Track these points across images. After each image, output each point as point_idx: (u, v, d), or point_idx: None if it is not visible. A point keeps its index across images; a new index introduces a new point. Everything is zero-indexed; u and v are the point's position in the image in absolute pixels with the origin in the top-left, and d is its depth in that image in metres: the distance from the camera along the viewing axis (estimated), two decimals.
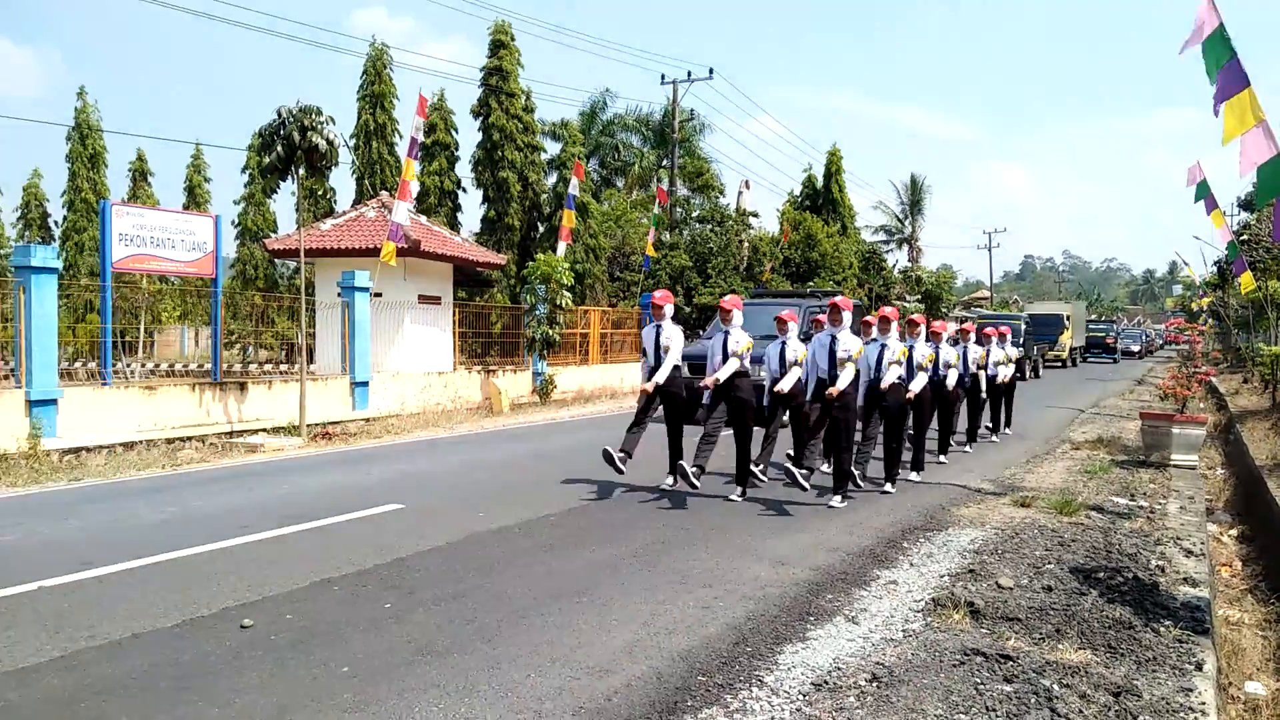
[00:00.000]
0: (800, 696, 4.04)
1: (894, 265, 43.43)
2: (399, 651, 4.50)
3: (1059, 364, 37.58)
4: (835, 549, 6.67)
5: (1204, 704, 4.00)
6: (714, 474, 9.12)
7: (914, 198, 54.32)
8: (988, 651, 4.52)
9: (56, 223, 35.58)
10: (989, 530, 7.34)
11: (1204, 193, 14.84)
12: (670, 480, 8.96)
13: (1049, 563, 6.28)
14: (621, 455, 8.25)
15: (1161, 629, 4.95)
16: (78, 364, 22.73)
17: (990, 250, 66.49)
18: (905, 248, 53.63)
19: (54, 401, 11.44)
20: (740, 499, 8.52)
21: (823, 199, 38.83)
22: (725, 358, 8.46)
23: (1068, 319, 38.15)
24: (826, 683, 4.18)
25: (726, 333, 8.55)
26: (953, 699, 3.98)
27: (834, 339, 8.32)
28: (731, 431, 8.62)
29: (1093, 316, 61.97)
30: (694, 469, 8.38)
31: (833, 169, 39.24)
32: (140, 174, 35.99)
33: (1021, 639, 4.77)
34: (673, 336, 8.67)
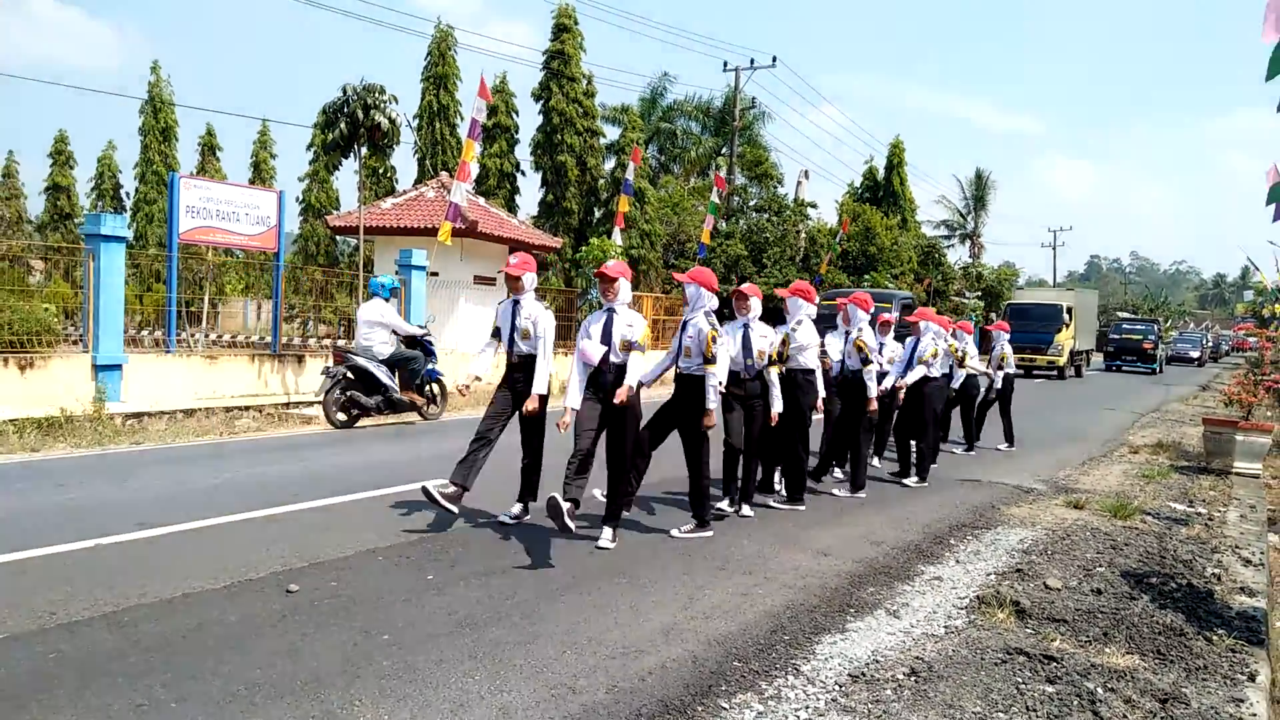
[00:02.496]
0: (836, 687, 4.00)
1: (955, 261, 42.67)
2: (439, 622, 4.55)
3: (1053, 373, 28.85)
4: (880, 542, 6.60)
5: (1255, 715, 3.88)
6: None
7: (978, 193, 53.25)
8: (1031, 651, 4.44)
9: (128, 194, 36.64)
10: (1039, 530, 7.19)
11: (1276, 196, 14.30)
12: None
13: (1100, 565, 6.14)
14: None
15: (1214, 638, 4.81)
16: (144, 332, 23.36)
17: (1054, 249, 65.07)
18: (967, 243, 52.65)
19: (119, 367, 11.78)
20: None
21: (883, 191, 38.37)
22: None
23: (1068, 313, 29.52)
24: (864, 675, 4.14)
25: (746, 325, 7.57)
26: (992, 697, 3.91)
27: (747, 328, 7.16)
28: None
29: (1127, 313, 55.29)
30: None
31: (895, 161, 38.72)
32: (209, 148, 36.81)
33: (1067, 641, 4.66)
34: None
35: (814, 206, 33.38)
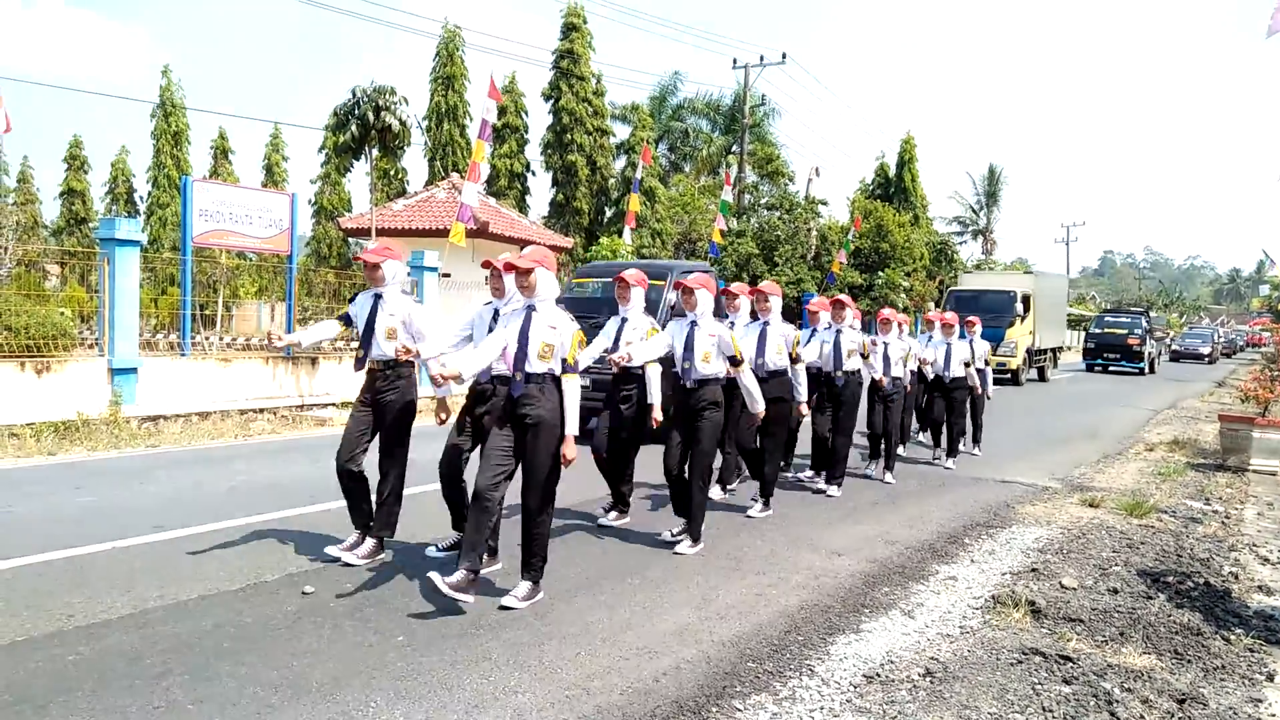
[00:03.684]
0: (851, 687, 3.99)
1: (967, 257, 42.52)
2: (452, 623, 4.57)
3: (1005, 376, 22.28)
4: (894, 542, 6.58)
5: (1275, 716, 3.85)
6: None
7: (990, 188, 53.02)
8: (1047, 651, 4.42)
9: (142, 198, 36.83)
10: (1054, 529, 7.16)
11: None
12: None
13: (1116, 564, 6.10)
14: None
15: (1232, 637, 4.78)
16: (159, 335, 23.49)
17: (1068, 244, 64.67)
18: (980, 239, 52.44)
19: (134, 370, 11.84)
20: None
21: (895, 188, 38.25)
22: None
23: (1023, 302, 23.41)
24: (878, 675, 4.13)
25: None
26: (1008, 698, 3.89)
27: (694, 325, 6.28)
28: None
29: (1109, 306, 50.49)
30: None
31: (906, 157, 38.61)
32: (221, 151, 37.01)
33: (1083, 640, 4.64)
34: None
35: (825, 204, 33.32)
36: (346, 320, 5.68)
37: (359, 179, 34.72)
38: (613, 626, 4.62)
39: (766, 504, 7.34)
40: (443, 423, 5.63)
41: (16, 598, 4.74)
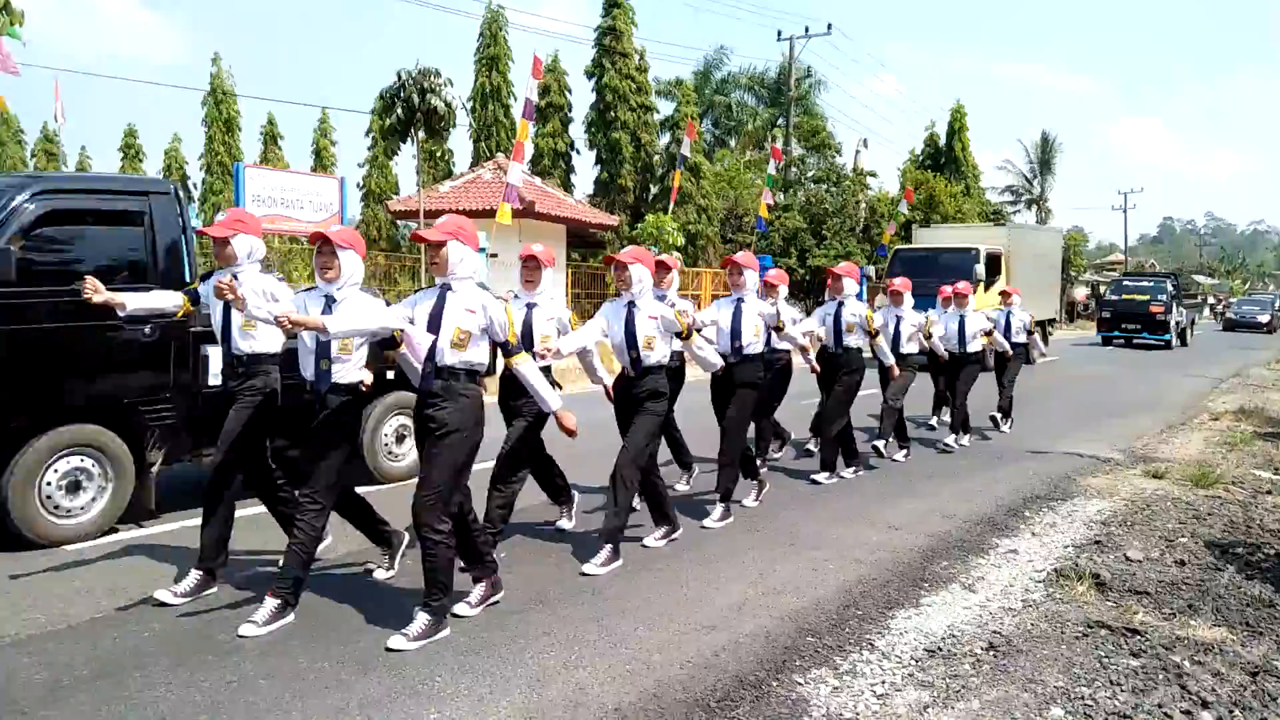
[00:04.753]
0: (913, 662, 3.96)
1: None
2: (512, 599, 4.61)
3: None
4: (951, 515, 6.50)
5: None
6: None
7: (1044, 156, 51.73)
8: (1114, 625, 4.34)
9: (195, 185, 37.52)
10: (1118, 501, 7.02)
11: None
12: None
13: (1182, 536, 5.97)
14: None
15: None
16: None
17: (1125, 212, 63.00)
18: (1033, 209, 51.32)
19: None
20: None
21: (945, 158, 37.56)
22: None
23: (987, 262, 18.34)
24: (940, 650, 4.09)
25: (840, 304, 7.56)
26: (1075, 671, 3.83)
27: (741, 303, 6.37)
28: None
29: (1130, 270, 41.66)
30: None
31: (956, 126, 37.88)
32: (271, 137, 37.54)
33: (1150, 614, 4.55)
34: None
35: (874, 175, 32.92)
36: (194, 298, 4.83)
37: (406, 162, 35.01)
38: (670, 602, 4.64)
39: (727, 510, 6.30)
40: None
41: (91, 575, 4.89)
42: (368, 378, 4.58)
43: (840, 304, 7.58)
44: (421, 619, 4.09)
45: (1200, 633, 4.29)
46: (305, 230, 15.84)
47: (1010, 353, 10.22)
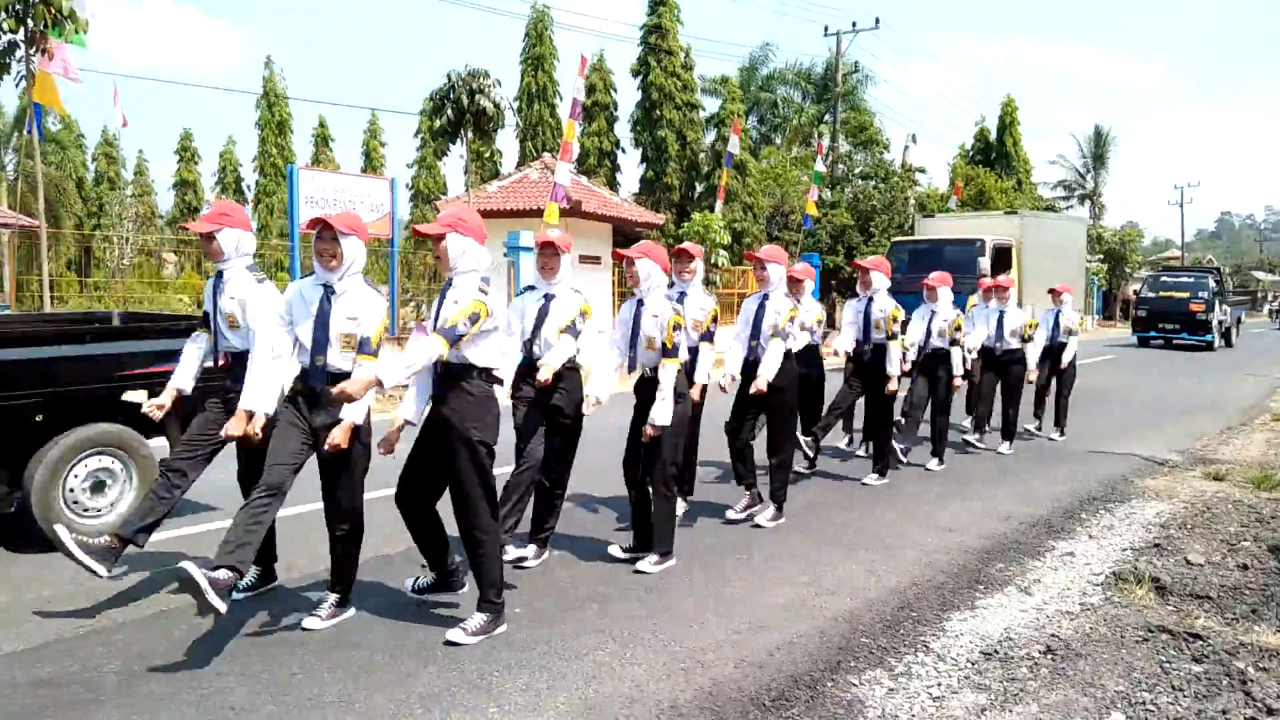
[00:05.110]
0: (969, 664, 3.94)
1: None
2: (566, 596, 4.67)
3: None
4: (1006, 517, 6.43)
5: None
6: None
7: (1097, 150, 50.75)
8: (1175, 629, 4.27)
9: (249, 186, 38.28)
10: (1177, 504, 6.89)
11: None
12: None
13: (1244, 540, 5.85)
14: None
15: None
16: None
17: (1182, 206, 61.60)
18: (1087, 204, 50.36)
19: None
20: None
21: (996, 153, 37.06)
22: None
23: (994, 255, 16.24)
24: (997, 652, 4.06)
25: (870, 299, 7.38)
26: (1135, 675, 3.79)
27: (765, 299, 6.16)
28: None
29: (1172, 263, 41.02)
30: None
31: (1007, 121, 37.36)
32: (322, 139, 38.19)
33: (1212, 618, 4.47)
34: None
35: (923, 171, 32.56)
36: (206, 320, 4.67)
37: (454, 162, 35.41)
38: (723, 601, 4.66)
39: (779, 510, 6.25)
40: (388, 452, 4.31)
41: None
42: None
43: (870, 299, 7.39)
44: (479, 616, 4.14)
45: (1264, 638, 4.21)
46: None
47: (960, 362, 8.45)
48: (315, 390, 4.13)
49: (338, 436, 4.03)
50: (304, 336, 4.11)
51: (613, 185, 28.78)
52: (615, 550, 5.39)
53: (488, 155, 31.44)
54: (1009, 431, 9.19)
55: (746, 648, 4.05)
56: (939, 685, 3.73)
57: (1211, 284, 24.98)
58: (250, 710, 3.41)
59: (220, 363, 4.63)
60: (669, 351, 4.97)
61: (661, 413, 4.92)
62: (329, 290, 4.09)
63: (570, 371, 5.07)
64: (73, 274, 26.40)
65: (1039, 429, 10.17)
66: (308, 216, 15.00)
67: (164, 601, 4.55)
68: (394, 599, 4.62)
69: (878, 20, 30.87)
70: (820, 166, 24.60)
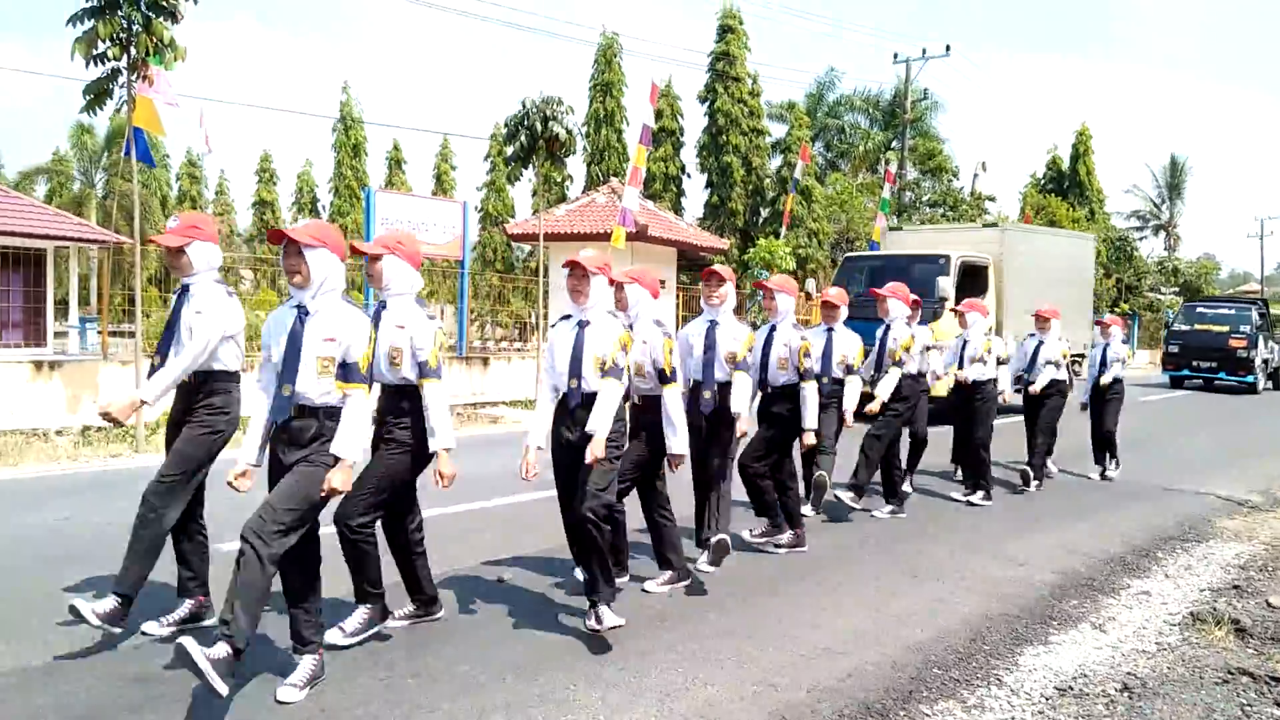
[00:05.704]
0: (1043, 699, 3.93)
1: (1148, 254, 40.00)
2: (639, 617, 4.73)
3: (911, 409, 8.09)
4: (1080, 552, 6.35)
5: None
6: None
7: (1173, 180, 49.56)
8: (1256, 672, 4.20)
9: (324, 207, 39.34)
10: (1257, 545, 6.73)
11: None
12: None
13: None
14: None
15: None
16: None
17: (1261, 238, 59.70)
18: (1161, 235, 49.16)
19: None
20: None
21: (1069, 181, 36.46)
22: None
23: (963, 274, 13.95)
24: (1071, 688, 4.04)
25: (888, 327, 7.28)
26: (1214, 717, 3.74)
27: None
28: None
29: (1204, 295, 31.91)
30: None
31: (1080, 149, 36.77)
32: (395, 162, 39.11)
33: None
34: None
35: (992, 199, 32.15)
36: (166, 339, 4.40)
37: (522, 185, 35.97)
38: (793, 626, 4.70)
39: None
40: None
41: None
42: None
43: (887, 327, 7.24)
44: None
45: None
46: (429, 252, 16.49)
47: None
48: (284, 424, 3.75)
49: (336, 481, 3.69)
50: (277, 363, 3.75)
51: (677, 210, 28.97)
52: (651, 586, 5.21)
53: (559, 180, 31.92)
54: (1038, 471, 8.63)
55: (817, 673, 4.10)
56: (1013, 719, 3.73)
57: (1255, 317, 21.98)
58: (342, 711, 3.56)
59: (187, 383, 4.27)
60: (608, 371, 4.44)
61: (597, 423, 4.34)
62: (302, 311, 3.75)
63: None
64: (155, 289, 27.46)
65: (1104, 473, 9.51)
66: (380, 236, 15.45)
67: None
68: (471, 612, 4.75)
69: (948, 47, 30.66)
70: (887, 194, 24.46)
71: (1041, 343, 8.71)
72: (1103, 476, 9.44)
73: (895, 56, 31.51)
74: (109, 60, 10.85)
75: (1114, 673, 4.22)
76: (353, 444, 3.71)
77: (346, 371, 3.74)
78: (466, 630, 4.50)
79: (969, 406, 8.08)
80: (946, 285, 12.97)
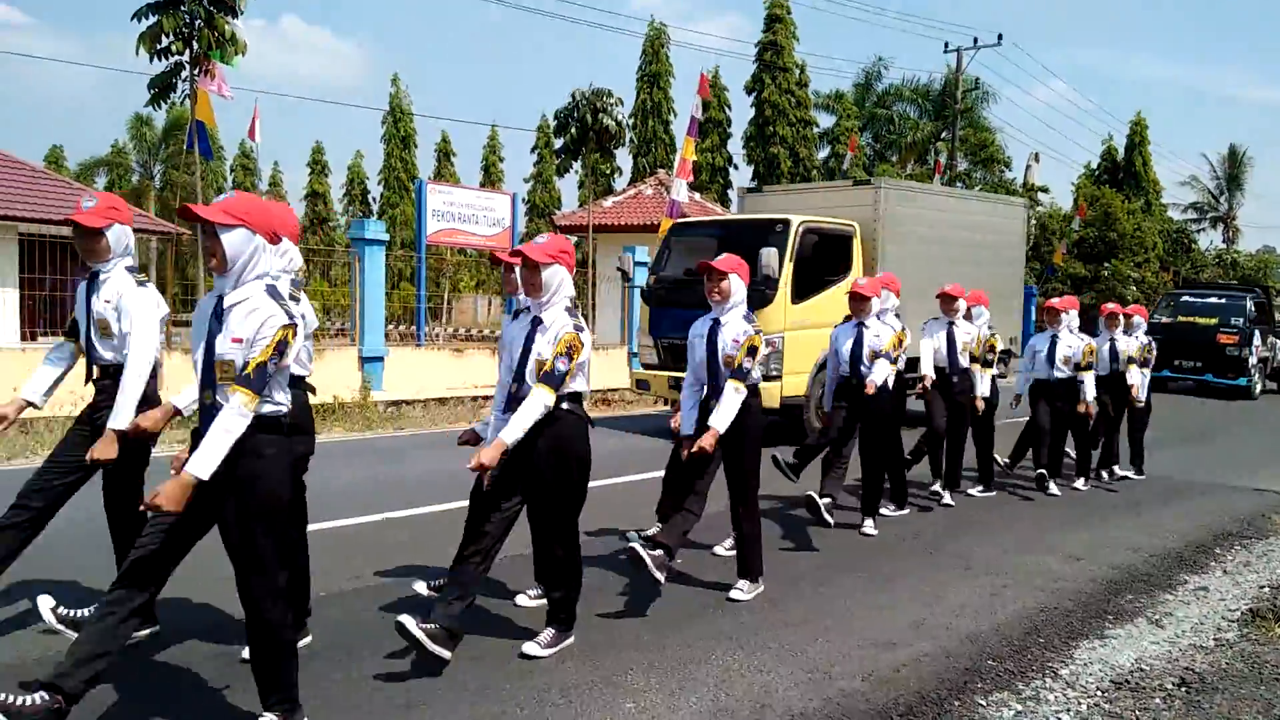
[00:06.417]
0: (1099, 693, 3.93)
1: (1206, 247, 39.06)
2: (689, 605, 4.81)
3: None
4: (1136, 549, 6.29)
5: None
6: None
7: (1232, 171, 48.23)
8: None
9: (374, 199, 39.91)
10: None
11: None
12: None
13: None
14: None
15: None
16: (390, 326, 25.64)
17: None
18: (1220, 227, 47.94)
19: (381, 359, 12.99)
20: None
21: (1124, 173, 35.74)
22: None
23: (786, 240, 10.07)
24: (1128, 682, 4.04)
25: (860, 325, 6.36)
26: (1275, 712, 3.72)
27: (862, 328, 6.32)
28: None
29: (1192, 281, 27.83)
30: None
31: (1136, 140, 36.01)
32: (444, 154, 39.55)
33: None
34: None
35: (1045, 191, 31.65)
36: (73, 328, 4.10)
37: (569, 177, 36.25)
38: (846, 616, 4.74)
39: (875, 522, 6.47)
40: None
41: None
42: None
43: (860, 325, 6.37)
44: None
45: None
46: (479, 244, 16.68)
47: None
48: (93, 378, 3.38)
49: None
50: (196, 365, 3.12)
51: (724, 201, 28.95)
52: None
53: (608, 171, 32.05)
54: (1053, 472, 8.08)
55: (872, 663, 4.13)
56: (1069, 712, 3.74)
57: (1250, 308, 18.59)
58: (404, 690, 3.68)
59: (93, 375, 4.03)
60: (545, 377, 3.89)
61: (510, 433, 3.85)
62: (219, 304, 3.08)
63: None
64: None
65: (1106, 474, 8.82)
66: (434, 229, 15.61)
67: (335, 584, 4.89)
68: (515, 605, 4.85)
69: (1000, 36, 30.14)
70: (937, 184, 24.19)
71: (953, 326, 7.33)
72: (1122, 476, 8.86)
73: (946, 46, 31.03)
74: (173, 55, 11.12)
75: (1171, 668, 4.21)
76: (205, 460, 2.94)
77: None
78: (526, 615, 4.60)
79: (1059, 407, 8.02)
80: (771, 259, 9.59)
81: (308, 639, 4.08)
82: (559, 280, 3.98)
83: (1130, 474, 8.93)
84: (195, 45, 11.02)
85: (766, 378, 8.21)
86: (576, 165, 17.00)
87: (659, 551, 4.63)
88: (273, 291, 3.10)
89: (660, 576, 4.59)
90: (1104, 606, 5.05)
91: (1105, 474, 8.79)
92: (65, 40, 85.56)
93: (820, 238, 10.70)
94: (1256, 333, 18.00)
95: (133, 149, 39.52)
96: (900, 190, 12.11)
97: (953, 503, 7.44)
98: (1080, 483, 8.34)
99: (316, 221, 41.24)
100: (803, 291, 10.06)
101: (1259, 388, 18.24)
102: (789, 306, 9.95)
